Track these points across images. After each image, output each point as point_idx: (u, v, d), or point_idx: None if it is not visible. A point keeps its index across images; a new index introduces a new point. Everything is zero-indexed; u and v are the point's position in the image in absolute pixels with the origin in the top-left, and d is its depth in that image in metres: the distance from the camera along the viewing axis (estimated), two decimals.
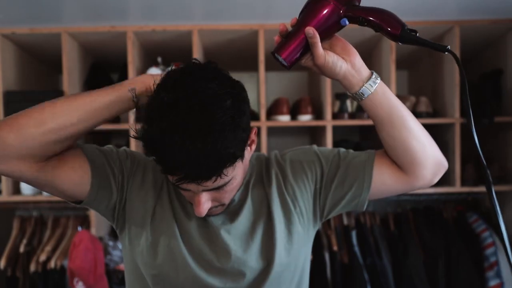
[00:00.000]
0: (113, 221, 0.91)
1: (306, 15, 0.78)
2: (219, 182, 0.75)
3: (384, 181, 0.91)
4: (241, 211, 0.89)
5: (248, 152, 0.83)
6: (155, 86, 0.74)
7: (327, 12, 0.76)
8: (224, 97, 0.70)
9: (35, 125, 0.74)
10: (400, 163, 0.88)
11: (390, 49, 1.98)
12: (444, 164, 0.91)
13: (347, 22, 0.78)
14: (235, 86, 0.75)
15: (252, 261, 0.87)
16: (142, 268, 0.88)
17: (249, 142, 0.80)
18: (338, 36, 0.83)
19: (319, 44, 0.77)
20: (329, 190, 0.92)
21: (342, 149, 0.96)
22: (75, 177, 0.82)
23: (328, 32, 0.79)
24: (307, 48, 0.78)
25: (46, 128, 0.74)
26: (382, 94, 0.83)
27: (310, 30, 0.75)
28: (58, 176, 0.80)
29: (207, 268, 0.86)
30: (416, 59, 2.39)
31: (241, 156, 0.76)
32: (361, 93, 0.82)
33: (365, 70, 0.82)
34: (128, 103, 0.80)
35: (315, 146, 0.98)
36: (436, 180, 0.92)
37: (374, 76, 0.82)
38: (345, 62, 0.80)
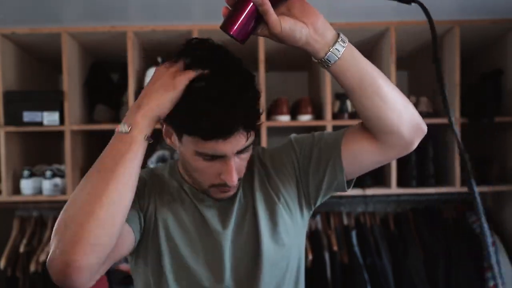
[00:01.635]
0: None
1: None
2: (248, 140, 0.80)
3: (356, 158, 0.87)
4: (232, 207, 0.91)
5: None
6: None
7: None
8: (240, 63, 0.83)
9: (105, 233, 0.71)
10: (374, 132, 0.83)
11: (390, 50, 1.98)
12: (422, 128, 0.84)
13: None
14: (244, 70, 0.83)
15: (242, 256, 0.89)
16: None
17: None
18: None
19: (271, 10, 0.70)
20: (308, 176, 0.91)
21: (318, 133, 0.93)
22: (128, 241, 0.84)
23: None
24: (260, 17, 0.71)
25: (114, 230, 0.73)
26: (351, 58, 0.76)
27: None
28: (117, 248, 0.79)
29: (204, 265, 0.89)
30: (416, 59, 2.39)
31: (256, 125, 0.81)
32: (327, 59, 0.74)
33: (330, 33, 0.75)
34: (146, 143, 0.78)
35: (292, 135, 0.97)
36: (413, 147, 0.85)
37: (340, 39, 0.75)
38: (306, 26, 0.72)
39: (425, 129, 0.85)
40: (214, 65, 0.78)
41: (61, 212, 0.73)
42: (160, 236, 0.88)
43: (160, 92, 0.76)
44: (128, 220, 0.80)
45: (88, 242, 0.68)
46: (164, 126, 0.86)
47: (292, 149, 0.93)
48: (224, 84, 0.76)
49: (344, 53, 0.75)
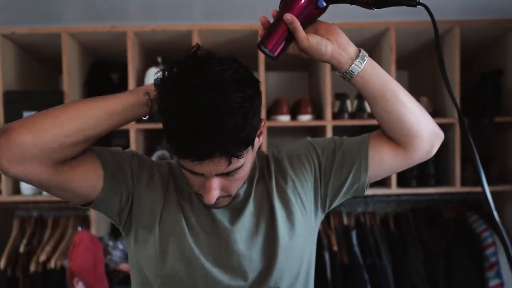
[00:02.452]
0: (119, 223, 0.91)
1: (285, 4, 0.80)
2: (232, 165, 0.76)
3: (381, 160, 0.91)
4: (246, 207, 0.90)
5: (257, 143, 0.83)
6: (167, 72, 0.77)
7: None
8: (240, 82, 0.74)
9: (53, 127, 0.74)
10: (397, 137, 0.89)
11: (390, 50, 1.98)
12: (440, 134, 0.92)
13: (324, 4, 0.80)
14: (247, 73, 0.79)
15: (256, 256, 0.88)
16: (148, 269, 0.88)
17: (258, 132, 0.81)
18: (321, 20, 0.84)
19: (300, 28, 0.78)
20: (328, 178, 0.93)
21: (337, 137, 0.97)
22: (89, 179, 0.82)
23: (309, 17, 0.80)
24: (291, 36, 0.80)
25: (65, 131, 0.74)
26: (372, 69, 0.84)
27: (288, 16, 0.78)
28: (72, 179, 0.80)
29: (218, 265, 0.87)
30: (416, 59, 2.39)
31: (253, 141, 0.78)
32: (351, 71, 0.83)
33: (352, 48, 0.83)
34: (144, 108, 0.81)
35: (309, 138, 0.98)
36: (434, 151, 0.92)
37: (361, 54, 0.83)
38: (330, 42, 0.81)
39: (442, 135, 0.92)
40: (201, 80, 0.72)
41: None
42: (168, 232, 0.88)
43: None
44: (104, 161, 0.83)
45: (31, 121, 0.74)
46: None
47: (313, 150, 0.94)
48: (203, 105, 0.70)
49: (366, 65, 0.83)
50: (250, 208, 0.90)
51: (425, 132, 0.88)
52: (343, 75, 0.85)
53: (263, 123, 0.84)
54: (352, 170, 0.91)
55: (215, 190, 0.80)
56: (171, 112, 0.72)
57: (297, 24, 0.78)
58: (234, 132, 0.71)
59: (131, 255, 0.93)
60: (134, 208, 0.88)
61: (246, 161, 0.80)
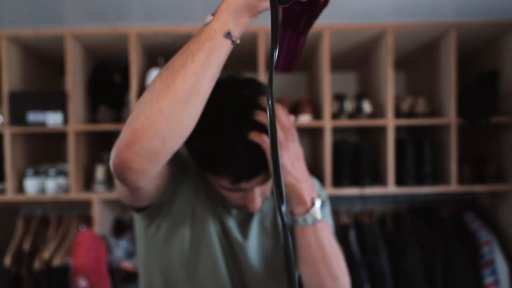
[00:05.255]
0: (148, 214, 0.89)
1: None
2: (269, 176, 0.81)
3: None
4: (253, 219, 0.93)
5: None
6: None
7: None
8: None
9: (160, 142, 0.63)
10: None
11: (387, 50, 2.01)
12: None
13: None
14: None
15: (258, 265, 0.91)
16: (164, 268, 0.89)
17: None
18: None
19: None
20: None
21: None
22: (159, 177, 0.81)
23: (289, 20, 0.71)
24: (296, 41, 0.73)
25: (173, 141, 0.65)
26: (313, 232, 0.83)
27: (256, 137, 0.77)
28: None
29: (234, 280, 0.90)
30: (414, 60, 2.43)
31: None
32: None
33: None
34: (228, 50, 0.64)
35: (326, 195, 1.00)
36: None
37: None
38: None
39: None
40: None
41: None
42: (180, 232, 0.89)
43: None
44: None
45: (142, 148, 0.62)
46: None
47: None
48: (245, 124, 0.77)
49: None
50: (255, 219, 0.93)
51: None
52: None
53: None
54: None
55: (258, 198, 0.83)
56: (220, 142, 0.76)
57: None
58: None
59: (150, 247, 0.92)
60: (170, 202, 0.88)
61: None
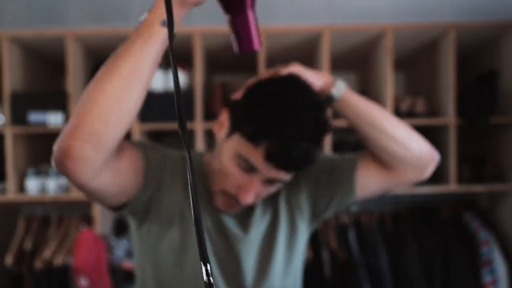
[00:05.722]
0: (134, 213, 0.87)
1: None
2: (288, 176, 0.81)
3: (369, 184, 0.93)
4: (252, 216, 0.91)
5: None
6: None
7: None
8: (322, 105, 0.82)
9: (102, 124, 0.64)
10: (382, 162, 0.91)
11: (387, 50, 2.02)
12: (433, 157, 0.92)
13: None
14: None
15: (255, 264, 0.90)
16: (156, 268, 0.88)
17: None
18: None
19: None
20: (319, 193, 0.94)
21: (335, 157, 0.98)
22: (132, 171, 0.79)
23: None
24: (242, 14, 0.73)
25: (116, 122, 0.66)
26: (349, 98, 0.88)
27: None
28: (116, 172, 0.75)
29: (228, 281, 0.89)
30: (413, 60, 2.43)
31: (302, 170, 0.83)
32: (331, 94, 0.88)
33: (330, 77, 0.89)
34: (166, 38, 0.67)
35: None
36: (426, 174, 0.93)
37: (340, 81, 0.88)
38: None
39: (436, 157, 0.93)
40: (301, 100, 0.78)
41: None
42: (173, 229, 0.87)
43: None
44: (144, 154, 0.80)
45: (83, 131, 0.63)
46: (224, 113, 0.85)
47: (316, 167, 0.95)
48: (307, 119, 0.76)
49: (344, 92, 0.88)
50: (256, 217, 0.91)
51: (412, 157, 0.89)
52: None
53: None
54: (339, 191, 0.92)
55: (256, 191, 0.81)
56: (273, 121, 0.74)
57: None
58: (319, 150, 0.80)
59: (143, 248, 0.90)
60: (155, 201, 0.86)
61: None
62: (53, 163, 0.66)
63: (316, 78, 0.86)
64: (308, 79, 0.84)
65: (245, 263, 0.88)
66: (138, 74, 0.65)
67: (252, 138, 0.76)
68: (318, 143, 0.78)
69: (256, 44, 0.72)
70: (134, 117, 0.68)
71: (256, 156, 0.76)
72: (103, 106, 0.64)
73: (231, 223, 0.89)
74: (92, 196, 0.75)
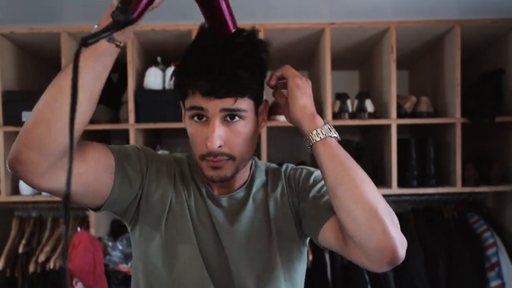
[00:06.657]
0: (126, 216, 0.91)
1: None
2: (237, 104, 0.81)
3: (330, 244, 0.83)
4: (243, 211, 0.91)
5: (260, 126, 0.92)
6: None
7: None
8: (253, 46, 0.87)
9: (44, 131, 0.69)
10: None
11: (390, 49, 1.97)
12: (393, 253, 0.73)
13: None
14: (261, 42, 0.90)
15: (248, 264, 0.88)
16: (147, 269, 0.88)
17: (260, 109, 0.91)
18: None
19: None
20: (299, 212, 0.91)
21: (323, 188, 0.90)
22: (103, 174, 0.81)
23: None
24: None
25: (56, 129, 0.70)
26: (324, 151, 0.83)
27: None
28: (88, 175, 0.78)
29: (214, 277, 0.87)
30: (417, 58, 2.39)
31: (256, 97, 0.86)
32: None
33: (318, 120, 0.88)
34: (113, 50, 0.75)
35: (316, 173, 0.94)
36: (381, 269, 0.75)
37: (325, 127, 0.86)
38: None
39: (398, 255, 0.74)
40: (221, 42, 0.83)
41: None
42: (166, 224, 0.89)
43: None
44: (116, 154, 0.83)
45: (29, 137, 0.70)
46: (183, 110, 0.89)
47: (307, 181, 0.93)
48: (223, 50, 0.81)
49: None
50: (247, 213, 0.91)
51: (360, 239, 0.74)
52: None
53: (265, 104, 0.93)
54: (306, 228, 0.89)
55: (218, 131, 0.81)
56: (190, 55, 0.82)
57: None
58: (244, 76, 0.81)
59: (136, 250, 0.92)
60: (142, 203, 0.89)
61: (247, 117, 0.84)
62: (7, 164, 0.73)
63: (302, 93, 0.90)
64: (298, 83, 0.91)
65: (229, 254, 0.88)
66: (80, 85, 0.64)
67: (181, 86, 0.83)
68: (244, 67, 0.82)
69: (233, 26, 0.81)
70: (82, 123, 0.74)
71: (194, 98, 0.81)
72: (45, 113, 0.69)
73: (220, 216, 0.90)
74: (59, 196, 0.78)
